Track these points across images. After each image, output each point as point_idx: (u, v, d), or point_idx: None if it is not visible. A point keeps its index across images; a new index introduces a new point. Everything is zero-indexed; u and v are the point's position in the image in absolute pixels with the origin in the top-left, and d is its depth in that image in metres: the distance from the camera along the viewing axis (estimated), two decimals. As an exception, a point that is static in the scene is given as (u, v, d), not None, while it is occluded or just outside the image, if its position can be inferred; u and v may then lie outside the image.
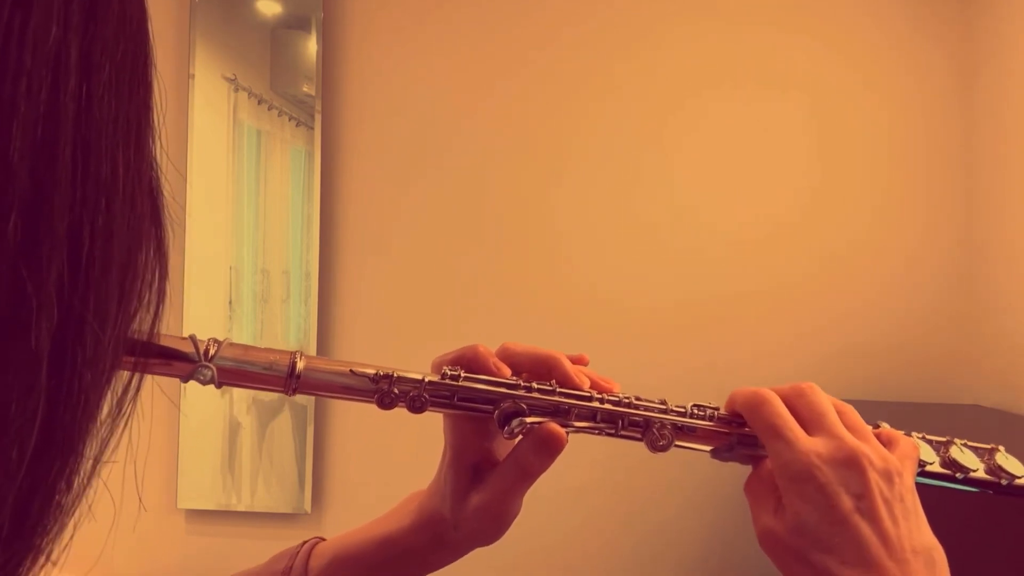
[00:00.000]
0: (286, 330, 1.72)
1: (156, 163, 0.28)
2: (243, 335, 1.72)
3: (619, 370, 1.63)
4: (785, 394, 0.44)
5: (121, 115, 0.25)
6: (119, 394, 0.28)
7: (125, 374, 0.28)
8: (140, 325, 0.29)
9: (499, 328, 1.69)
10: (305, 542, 0.52)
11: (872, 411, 1.43)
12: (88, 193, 0.24)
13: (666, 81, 1.71)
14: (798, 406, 0.44)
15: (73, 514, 0.26)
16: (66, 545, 0.26)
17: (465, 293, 1.72)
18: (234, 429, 1.72)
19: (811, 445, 0.42)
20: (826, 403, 0.44)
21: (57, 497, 0.25)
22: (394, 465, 1.69)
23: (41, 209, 0.22)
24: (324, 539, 0.52)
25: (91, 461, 0.27)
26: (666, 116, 1.71)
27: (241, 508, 1.72)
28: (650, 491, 1.69)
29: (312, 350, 1.70)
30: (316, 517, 1.73)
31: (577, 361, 0.47)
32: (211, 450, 1.71)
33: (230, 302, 1.71)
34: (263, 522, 1.73)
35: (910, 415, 1.43)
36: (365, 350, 1.74)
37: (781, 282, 1.68)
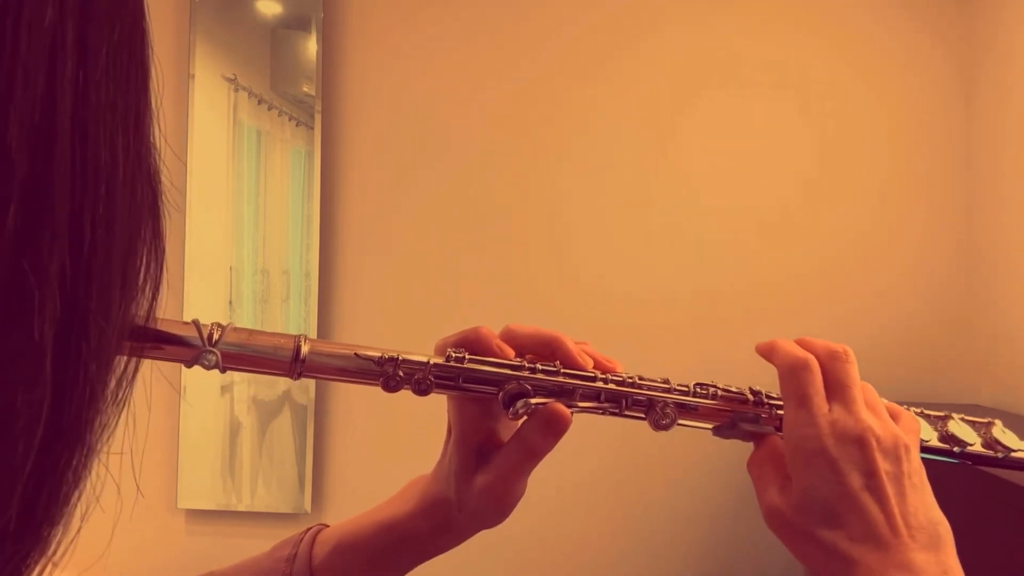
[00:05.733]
0: (286, 330, 1.71)
1: (155, 148, 0.27)
2: (243, 335, 1.71)
3: (623, 363, 1.64)
4: (821, 355, 0.45)
5: (119, 99, 0.24)
6: (117, 379, 0.28)
7: (123, 360, 0.28)
8: (138, 310, 0.28)
9: (500, 328, 1.68)
10: (309, 529, 0.51)
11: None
12: (88, 181, 0.23)
13: (666, 77, 1.72)
14: (829, 369, 0.44)
15: (78, 505, 0.26)
16: (73, 539, 0.26)
17: (466, 293, 1.72)
18: (234, 429, 1.71)
19: (829, 421, 0.42)
20: (855, 375, 0.44)
21: (64, 488, 0.25)
22: (394, 465, 1.69)
23: (41, 198, 0.22)
24: (327, 525, 0.52)
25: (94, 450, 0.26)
26: (667, 114, 1.72)
27: (241, 508, 1.72)
28: (656, 484, 1.69)
29: (312, 350, 1.70)
30: (316, 517, 1.72)
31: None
32: (211, 450, 1.71)
33: (230, 302, 1.71)
34: (263, 522, 1.73)
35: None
36: (365, 350, 1.73)
37: (780, 283, 1.68)
